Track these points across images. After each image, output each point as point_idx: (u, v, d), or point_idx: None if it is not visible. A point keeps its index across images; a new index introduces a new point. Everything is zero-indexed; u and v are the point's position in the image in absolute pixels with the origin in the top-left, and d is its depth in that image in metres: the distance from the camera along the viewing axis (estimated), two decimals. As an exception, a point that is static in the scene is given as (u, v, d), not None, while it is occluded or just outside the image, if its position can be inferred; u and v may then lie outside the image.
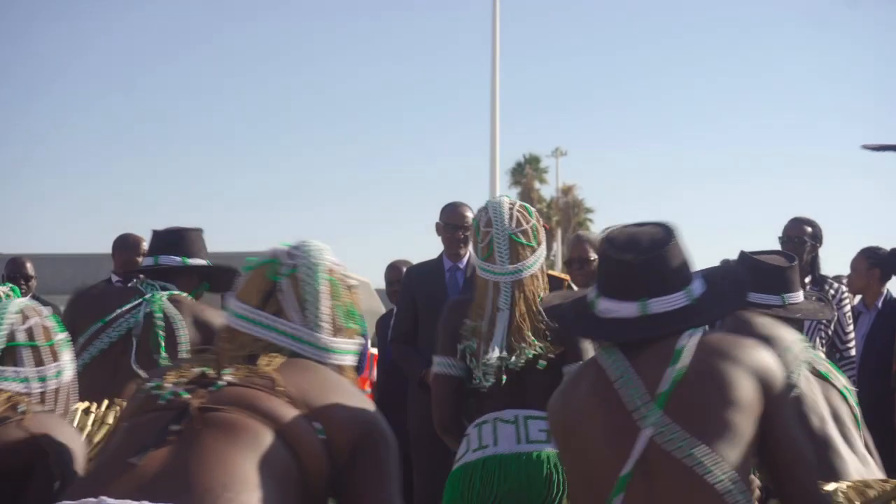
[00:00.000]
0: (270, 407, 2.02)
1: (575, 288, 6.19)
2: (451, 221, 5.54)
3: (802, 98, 66.13)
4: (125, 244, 6.09)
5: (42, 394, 2.42)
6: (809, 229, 5.60)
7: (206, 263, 4.04)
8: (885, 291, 6.10)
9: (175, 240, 3.96)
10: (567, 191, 49.53)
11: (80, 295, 4.11)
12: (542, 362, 3.48)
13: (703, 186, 62.23)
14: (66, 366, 2.51)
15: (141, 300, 3.90)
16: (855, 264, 6.06)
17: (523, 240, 3.60)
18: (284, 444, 1.99)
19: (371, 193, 64.50)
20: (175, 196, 54.22)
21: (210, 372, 2.10)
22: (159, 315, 3.84)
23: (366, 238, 58.83)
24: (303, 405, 2.05)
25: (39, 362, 2.45)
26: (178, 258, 3.95)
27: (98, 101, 62.05)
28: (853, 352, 5.57)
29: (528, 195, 48.26)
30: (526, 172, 48.53)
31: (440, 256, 5.63)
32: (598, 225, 50.55)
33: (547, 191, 49.45)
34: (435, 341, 3.73)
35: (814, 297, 3.77)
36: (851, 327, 5.60)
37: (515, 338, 3.49)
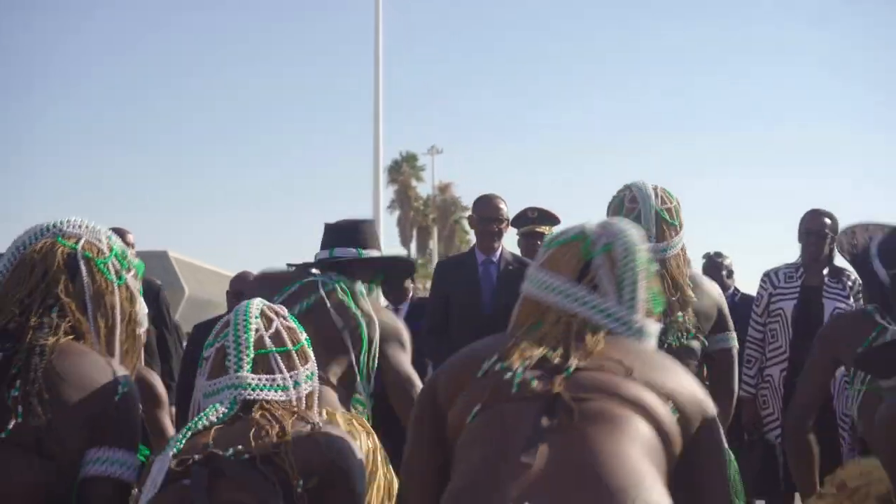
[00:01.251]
0: (635, 393, 1.90)
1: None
2: (486, 214, 5.44)
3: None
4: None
5: (299, 400, 2.24)
6: (829, 221, 5.64)
7: (381, 255, 3.89)
8: None
9: (350, 232, 3.82)
10: (444, 188, 49.69)
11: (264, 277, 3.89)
12: (696, 343, 3.57)
13: (578, 183, 63.21)
14: (314, 367, 2.33)
15: (314, 290, 3.65)
16: None
17: (668, 217, 3.70)
18: (656, 432, 1.89)
19: (251, 192, 63.63)
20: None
21: (552, 354, 1.97)
22: (337, 303, 3.62)
23: (249, 236, 58.04)
24: (652, 387, 1.94)
25: (291, 367, 2.27)
26: (353, 250, 3.78)
27: None
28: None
29: (405, 193, 48.31)
30: (403, 170, 48.49)
31: (472, 249, 5.52)
32: (475, 223, 50.82)
33: (423, 189, 49.58)
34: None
35: None
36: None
37: (669, 315, 3.55)
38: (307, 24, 68.87)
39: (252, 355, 2.23)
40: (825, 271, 5.64)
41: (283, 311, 2.37)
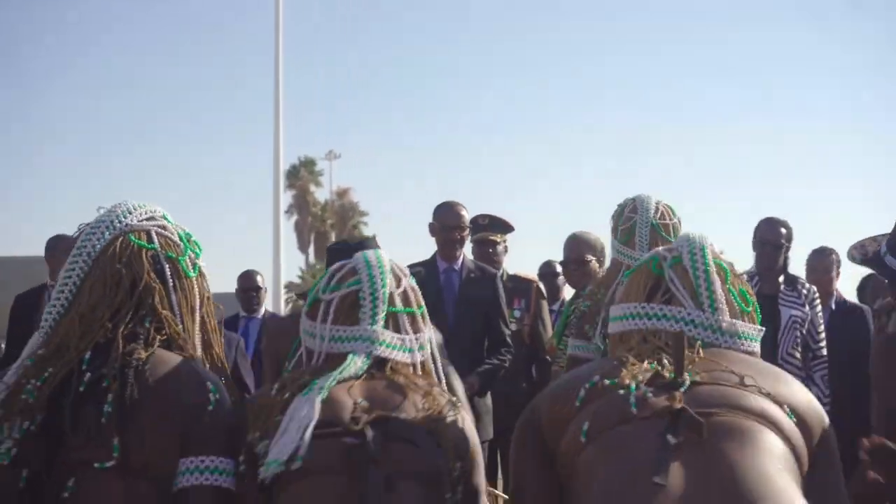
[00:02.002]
0: (758, 405, 1.84)
1: (543, 290, 6.16)
2: (448, 222, 5.34)
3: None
4: (64, 247, 5.78)
5: (415, 365, 2.19)
6: (784, 231, 5.68)
7: None
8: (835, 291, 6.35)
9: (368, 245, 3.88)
10: (342, 194, 49.40)
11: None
12: None
13: (475, 186, 63.48)
14: (430, 333, 2.28)
15: None
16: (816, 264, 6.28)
17: (664, 233, 3.74)
18: (785, 444, 1.83)
19: (149, 195, 61.83)
20: None
21: (664, 370, 1.88)
22: None
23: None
24: (773, 398, 1.88)
25: (416, 329, 2.22)
26: None
27: None
28: (825, 351, 5.70)
29: (303, 198, 47.88)
30: (301, 175, 48.02)
31: (433, 257, 5.41)
32: (373, 228, 50.80)
33: (322, 194, 49.17)
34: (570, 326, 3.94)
35: None
36: (823, 327, 5.74)
37: None
38: (206, 28, 67.88)
39: (385, 309, 2.18)
40: (780, 279, 5.67)
41: (407, 270, 2.33)
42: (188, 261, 2.23)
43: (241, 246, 56.68)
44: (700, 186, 58.13)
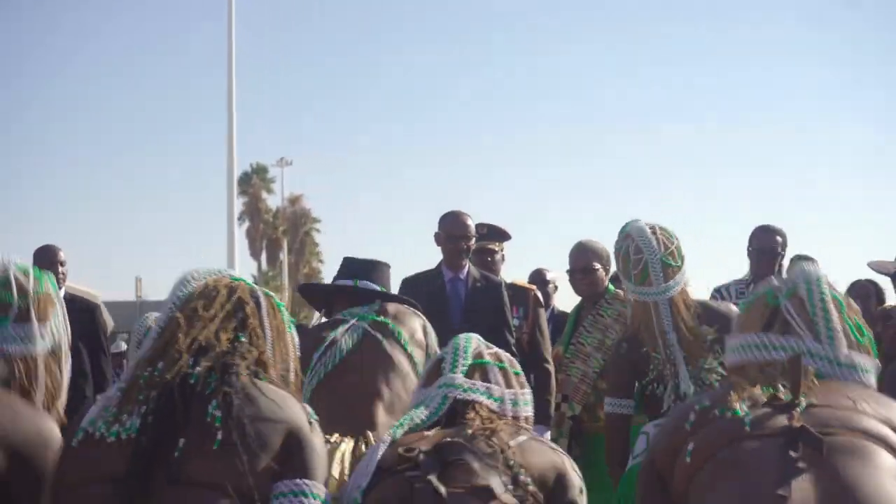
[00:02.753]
0: (875, 427, 1.87)
1: (541, 299, 6.16)
2: (455, 232, 5.34)
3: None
4: (48, 257, 6.04)
5: (516, 419, 2.22)
6: (780, 239, 5.74)
7: (395, 295, 4.07)
8: None
9: (371, 269, 3.98)
10: (294, 201, 49.19)
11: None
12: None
13: (427, 196, 63.50)
14: (531, 396, 2.30)
15: (352, 321, 3.78)
16: None
17: (672, 262, 3.88)
18: None
19: (103, 202, 61.71)
20: None
21: (780, 392, 1.91)
22: (376, 332, 3.73)
23: (96, 249, 56.27)
24: (887, 422, 1.91)
25: (509, 385, 2.31)
26: (376, 287, 3.94)
27: None
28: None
29: (255, 205, 47.62)
30: (253, 182, 47.76)
31: (439, 266, 5.41)
32: (325, 234, 50.66)
33: (274, 201, 48.94)
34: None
35: None
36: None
37: (692, 359, 3.79)
38: (158, 35, 67.29)
39: (469, 362, 2.27)
40: (774, 288, 5.73)
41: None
42: (285, 310, 2.34)
43: (195, 254, 56.26)
44: (699, 190, 58.77)
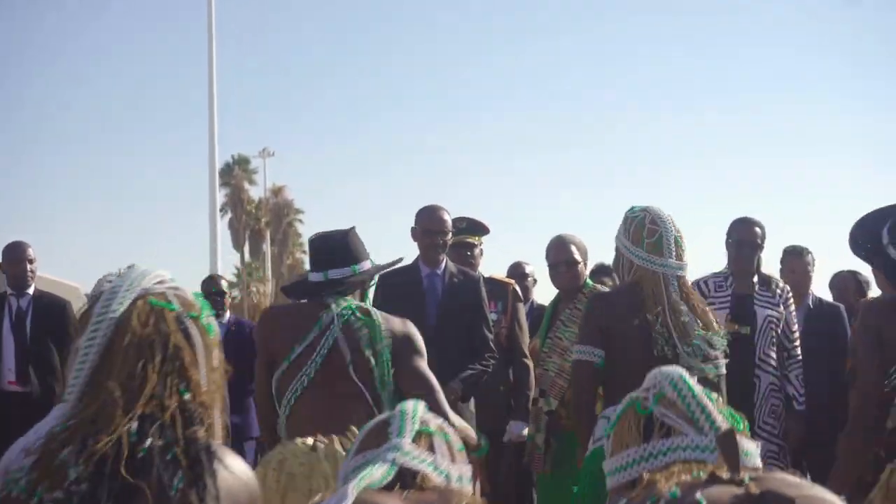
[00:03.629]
0: (815, 491, 1.75)
1: (520, 293, 6.12)
2: (431, 227, 5.27)
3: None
4: (17, 254, 6.06)
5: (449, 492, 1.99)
6: (759, 231, 5.71)
7: (372, 265, 3.90)
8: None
9: (340, 250, 3.81)
10: (277, 191, 49.01)
11: (273, 316, 3.96)
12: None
13: (410, 185, 63.36)
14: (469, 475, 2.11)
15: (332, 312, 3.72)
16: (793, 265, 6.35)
17: (683, 245, 4.02)
18: None
19: (85, 196, 61.35)
20: None
21: (718, 471, 1.79)
22: (358, 325, 3.70)
23: (79, 240, 55.97)
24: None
25: (453, 460, 2.07)
26: (347, 269, 3.79)
27: None
28: (799, 350, 5.75)
29: (237, 196, 47.44)
30: (235, 173, 47.58)
31: (416, 261, 5.34)
32: (309, 225, 50.51)
33: (256, 192, 48.75)
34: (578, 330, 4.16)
35: None
36: (797, 326, 5.78)
37: (705, 325, 3.96)
38: (138, 27, 66.86)
39: (417, 428, 2.05)
40: (755, 279, 5.71)
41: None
42: (206, 319, 2.09)
43: (178, 245, 56.07)
44: (681, 182, 58.77)
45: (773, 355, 5.62)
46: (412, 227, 5.33)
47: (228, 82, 62.21)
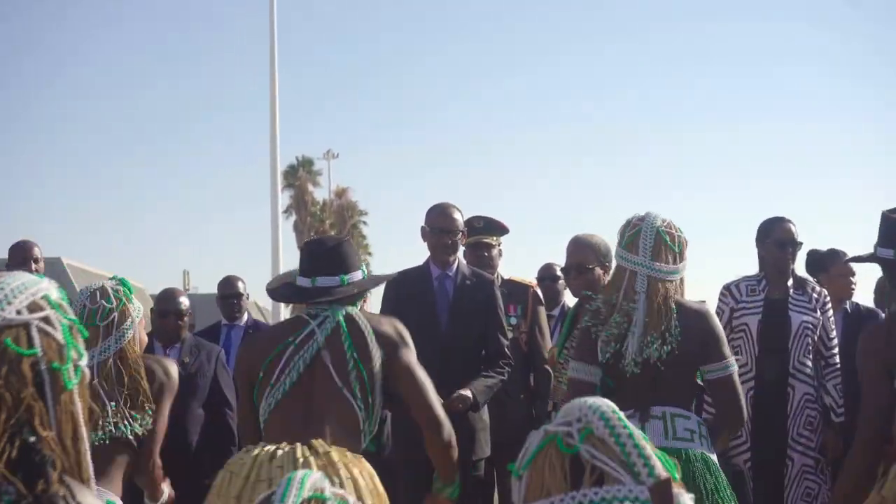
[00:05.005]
0: None
1: (541, 296, 5.83)
2: (439, 226, 4.99)
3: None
4: (22, 254, 5.94)
5: None
6: (795, 228, 5.36)
7: (364, 277, 3.76)
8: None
9: (330, 258, 3.68)
10: (341, 193, 49.11)
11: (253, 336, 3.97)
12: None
13: (476, 185, 63.18)
14: None
15: (315, 322, 3.61)
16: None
17: (669, 241, 3.70)
18: None
19: (147, 197, 62.17)
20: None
21: None
22: (346, 331, 3.56)
23: (144, 242, 56.75)
24: None
25: None
26: (336, 278, 3.65)
27: None
28: (837, 358, 5.43)
29: (301, 198, 47.64)
30: (300, 175, 47.76)
31: (426, 262, 5.07)
32: (373, 227, 50.63)
33: (320, 193, 48.90)
34: (576, 345, 3.86)
35: None
36: (835, 332, 5.46)
37: (653, 327, 3.62)
38: (201, 27, 67.46)
39: (305, 495, 1.75)
40: (789, 283, 5.39)
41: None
42: (71, 368, 1.73)
43: (241, 247, 56.53)
44: (701, 183, 57.92)
45: (809, 364, 5.31)
46: (422, 226, 5.08)
47: (293, 85, 62.67)
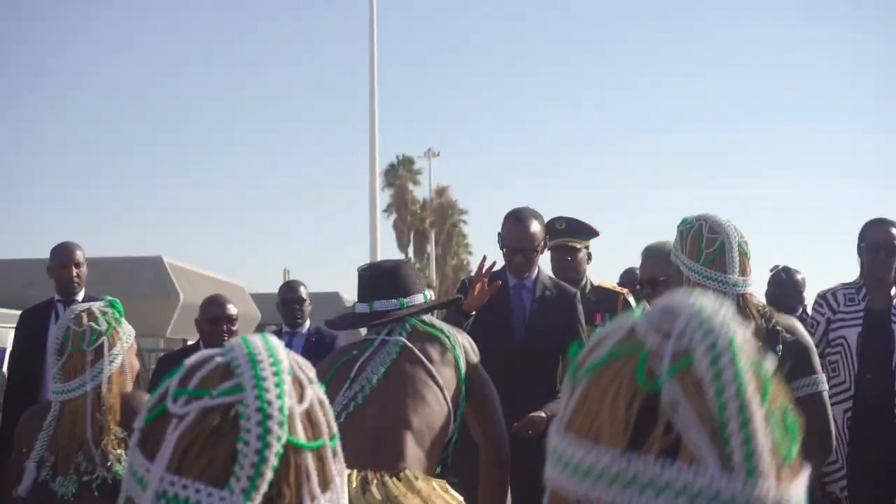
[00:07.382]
0: None
1: (633, 303, 5.41)
2: (508, 243, 4.61)
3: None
4: (62, 258, 5.66)
5: None
6: (895, 231, 4.94)
7: (426, 301, 3.53)
8: None
9: (388, 281, 3.49)
10: (441, 192, 49.11)
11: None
12: None
13: (582, 185, 62.63)
14: None
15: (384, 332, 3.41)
16: None
17: (748, 251, 3.44)
18: None
19: (246, 196, 63.14)
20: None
21: None
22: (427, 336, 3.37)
23: (244, 241, 57.58)
24: None
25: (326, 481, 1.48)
26: (394, 301, 3.44)
27: None
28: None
29: (402, 197, 47.75)
30: (400, 174, 47.89)
31: (503, 269, 4.66)
32: (472, 226, 50.48)
33: (420, 192, 48.97)
34: None
35: None
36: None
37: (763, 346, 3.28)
38: (301, 26, 68.23)
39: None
40: (893, 291, 4.98)
41: (312, 373, 1.39)
42: None
43: (340, 246, 56.98)
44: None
45: None
46: (498, 232, 4.70)
47: (392, 82, 62.88)
